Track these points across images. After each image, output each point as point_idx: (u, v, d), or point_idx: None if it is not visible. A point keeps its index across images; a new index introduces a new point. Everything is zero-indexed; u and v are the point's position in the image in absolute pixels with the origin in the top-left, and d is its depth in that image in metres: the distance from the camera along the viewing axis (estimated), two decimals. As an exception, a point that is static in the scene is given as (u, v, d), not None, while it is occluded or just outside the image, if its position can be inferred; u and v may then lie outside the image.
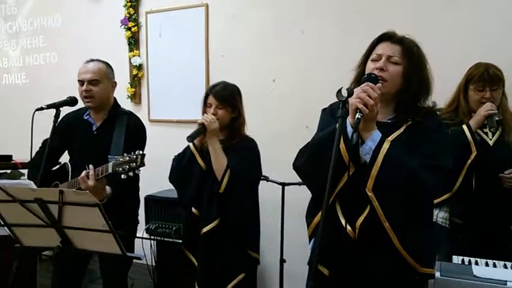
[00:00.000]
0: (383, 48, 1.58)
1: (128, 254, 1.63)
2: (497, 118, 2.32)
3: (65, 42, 4.42)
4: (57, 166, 2.48)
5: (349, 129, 1.47)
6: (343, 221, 1.55)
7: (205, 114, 2.28)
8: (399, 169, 1.44)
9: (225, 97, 2.31)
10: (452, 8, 2.84)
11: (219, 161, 2.22)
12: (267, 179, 2.74)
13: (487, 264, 2.01)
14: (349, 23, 3.12)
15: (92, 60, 2.44)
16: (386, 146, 1.45)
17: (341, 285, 1.58)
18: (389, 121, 1.61)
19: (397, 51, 1.56)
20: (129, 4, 3.96)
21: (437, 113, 1.67)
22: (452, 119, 2.39)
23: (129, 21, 3.98)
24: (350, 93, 1.43)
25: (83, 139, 2.43)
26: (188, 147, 2.35)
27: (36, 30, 4.63)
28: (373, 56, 1.60)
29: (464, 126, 2.31)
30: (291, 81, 3.37)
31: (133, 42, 4.00)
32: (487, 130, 2.36)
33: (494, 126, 2.27)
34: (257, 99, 3.33)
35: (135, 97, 4.07)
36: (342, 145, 1.46)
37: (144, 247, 3.23)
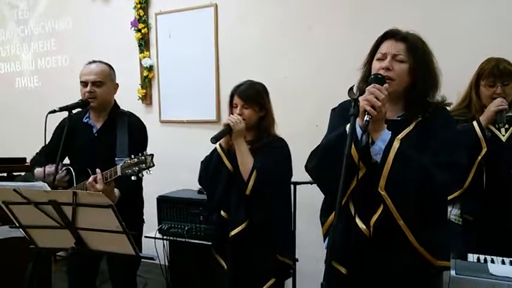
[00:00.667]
0: (388, 47, 1.58)
1: (141, 254, 1.64)
2: (508, 114, 2.28)
3: (76, 44, 4.47)
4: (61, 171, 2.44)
5: (359, 131, 1.48)
6: (357, 220, 1.56)
7: (230, 115, 2.21)
8: (410, 167, 1.44)
9: (251, 96, 2.24)
10: (463, 2, 2.80)
11: (246, 162, 2.17)
12: (296, 183, 2.72)
13: (503, 262, 1.98)
14: (358, 20, 3.10)
15: (94, 62, 2.43)
16: (396, 145, 1.46)
17: (360, 283, 1.58)
18: (399, 118, 1.61)
19: (402, 49, 1.56)
20: (138, 6, 3.99)
21: (447, 108, 1.65)
22: (465, 115, 2.36)
23: (139, 23, 4.01)
24: (362, 91, 1.44)
25: (83, 142, 2.41)
26: (215, 149, 2.29)
27: (48, 34, 4.70)
28: (378, 55, 1.60)
29: (474, 123, 2.27)
30: (301, 80, 3.36)
31: (144, 44, 4.03)
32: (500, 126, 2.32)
33: (503, 122, 2.23)
34: (270, 97, 3.32)
35: (146, 98, 4.10)
36: (352, 147, 1.46)
37: (157, 247, 3.25)
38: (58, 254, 3.95)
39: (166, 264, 3.45)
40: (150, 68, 4.03)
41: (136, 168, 2.02)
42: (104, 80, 2.37)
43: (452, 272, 1.82)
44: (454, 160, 1.51)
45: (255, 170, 2.14)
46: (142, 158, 2.03)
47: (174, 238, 3.26)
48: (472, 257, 2.02)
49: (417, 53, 1.55)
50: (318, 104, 3.14)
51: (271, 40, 3.47)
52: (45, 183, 1.82)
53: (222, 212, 2.30)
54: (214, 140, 2.16)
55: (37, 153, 2.54)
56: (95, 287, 2.61)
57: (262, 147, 2.24)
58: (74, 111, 2.35)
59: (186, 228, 3.18)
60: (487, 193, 2.30)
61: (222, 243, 2.32)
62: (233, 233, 2.22)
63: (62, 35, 4.59)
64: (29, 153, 3.01)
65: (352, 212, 1.58)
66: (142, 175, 2.04)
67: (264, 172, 2.15)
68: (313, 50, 3.28)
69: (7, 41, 4.96)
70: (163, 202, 3.31)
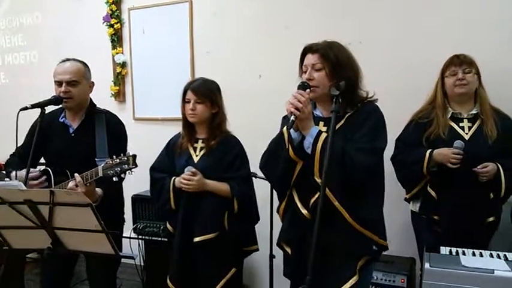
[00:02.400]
0: (307, 60, 1.87)
1: (120, 253, 1.61)
2: (472, 112, 2.41)
3: (46, 40, 4.33)
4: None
5: (292, 131, 1.77)
6: (299, 206, 1.84)
7: (181, 180, 2.27)
8: (334, 155, 1.65)
9: (204, 92, 2.31)
10: (435, 5, 2.88)
11: (223, 192, 2.30)
12: (255, 175, 2.74)
13: (473, 254, 2.06)
14: (334, 22, 3.12)
15: (68, 60, 2.36)
16: (322, 137, 1.72)
17: (303, 260, 1.75)
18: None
19: (317, 59, 1.82)
20: (111, 0, 3.89)
21: (373, 102, 1.88)
22: (428, 115, 2.44)
23: (112, 18, 3.91)
24: (341, 87, 1.72)
25: (60, 143, 2.35)
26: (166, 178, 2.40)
27: (15, 29, 4.53)
28: (303, 68, 1.89)
29: (427, 153, 2.37)
30: (276, 78, 3.37)
31: (116, 40, 3.95)
32: (463, 124, 2.39)
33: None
34: (242, 96, 3.32)
35: (119, 95, 4.02)
36: (289, 146, 1.78)
37: (132, 247, 3.21)
38: (28, 256, 3.85)
39: (142, 264, 3.41)
40: (123, 65, 3.96)
41: (119, 168, 1.98)
42: (79, 79, 2.31)
43: (427, 265, 1.90)
44: (372, 145, 1.76)
45: (235, 197, 2.29)
46: (125, 158, 1.99)
47: (149, 237, 3.23)
48: (444, 250, 2.10)
49: (329, 58, 1.80)
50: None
51: (246, 38, 3.47)
52: (21, 182, 1.77)
53: (169, 226, 2.44)
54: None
55: (11, 155, 2.46)
56: (69, 289, 2.56)
57: (216, 147, 2.33)
58: (48, 110, 2.29)
59: (162, 227, 3.15)
60: (447, 190, 2.38)
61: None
62: (198, 239, 2.28)
63: (31, 30, 4.44)
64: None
65: (296, 198, 1.86)
66: (125, 176, 2.01)
67: (242, 197, 2.32)
68: (289, 50, 3.28)
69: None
70: (138, 201, 3.27)
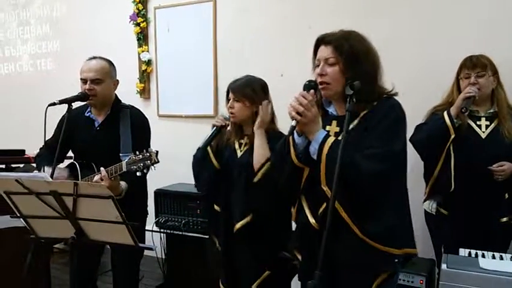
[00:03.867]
0: (320, 53, 1.66)
1: (140, 244, 1.67)
2: (490, 111, 2.37)
3: (74, 38, 4.46)
4: (65, 165, 2.48)
5: (296, 136, 1.63)
6: (308, 214, 1.69)
7: (217, 116, 2.30)
8: (341, 163, 1.47)
9: (241, 91, 2.27)
10: (460, 4, 2.84)
11: (261, 154, 2.19)
12: None
13: (493, 257, 2.03)
14: (358, 23, 3.09)
15: (95, 58, 2.43)
16: (328, 144, 1.55)
17: (312, 269, 1.61)
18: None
19: (331, 52, 1.62)
20: (137, 0, 3.99)
21: (394, 97, 1.67)
22: (445, 110, 2.41)
23: (138, 17, 4.01)
24: (356, 86, 1.56)
25: (86, 136, 2.43)
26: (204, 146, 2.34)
27: (45, 20, 4.69)
28: (316, 62, 1.69)
29: (444, 112, 2.34)
30: (298, 77, 3.36)
31: (142, 38, 4.04)
32: (480, 123, 2.37)
33: (466, 107, 2.28)
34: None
35: (144, 92, 4.12)
36: (292, 151, 1.64)
37: (154, 240, 3.29)
38: (55, 246, 3.99)
39: (163, 257, 3.49)
40: (148, 62, 4.05)
41: (141, 164, 2.04)
42: (103, 78, 2.37)
43: (444, 266, 1.87)
44: (387, 149, 1.55)
45: (271, 161, 2.13)
46: (147, 154, 2.05)
47: (171, 231, 3.29)
48: (463, 252, 2.07)
49: (344, 51, 1.60)
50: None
51: (270, 36, 3.49)
52: (47, 174, 1.85)
53: (215, 206, 2.37)
54: (204, 148, 2.28)
55: (41, 148, 2.55)
56: (95, 279, 2.64)
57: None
58: (75, 105, 2.36)
59: (183, 221, 3.22)
60: (462, 188, 2.35)
61: (218, 227, 2.38)
62: (238, 226, 2.23)
63: (59, 25, 4.59)
64: (29, 146, 3.03)
65: (305, 206, 1.71)
66: (148, 171, 2.07)
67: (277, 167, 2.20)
68: (311, 50, 3.29)
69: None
70: (161, 196, 3.35)
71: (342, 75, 1.61)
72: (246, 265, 2.29)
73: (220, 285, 2.41)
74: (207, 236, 2.66)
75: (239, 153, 2.32)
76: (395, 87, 1.69)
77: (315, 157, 1.59)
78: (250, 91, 2.28)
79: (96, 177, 2.15)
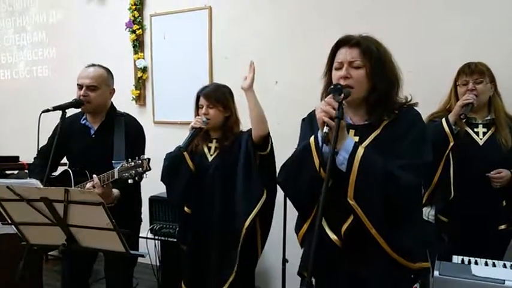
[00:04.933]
0: (343, 55, 1.57)
1: (131, 251, 1.66)
2: (487, 118, 2.38)
3: (70, 45, 4.47)
4: (59, 173, 2.47)
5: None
6: (328, 231, 1.57)
7: (195, 118, 2.37)
8: (376, 174, 1.43)
9: (215, 97, 2.38)
10: (454, 10, 2.86)
11: (260, 111, 2.30)
12: None
13: (486, 264, 2.02)
14: (352, 26, 3.10)
15: (93, 65, 2.45)
16: (360, 153, 1.45)
17: None
18: (366, 123, 1.60)
19: (357, 55, 1.54)
20: (133, 7, 4.01)
21: (414, 107, 1.63)
22: (443, 117, 2.42)
23: (134, 24, 4.03)
24: (347, 94, 1.48)
25: (81, 144, 2.43)
26: (178, 149, 2.41)
27: (41, 27, 4.70)
28: (336, 64, 1.59)
29: (443, 119, 2.35)
30: (293, 84, 3.39)
31: (138, 45, 4.05)
32: (478, 130, 2.38)
33: (464, 114, 2.29)
34: (259, 101, 3.36)
35: (140, 99, 4.12)
36: (316, 160, 1.49)
37: (148, 247, 3.27)
38: (49, 253, 3.97)
39: (158, 264, 3.47)
40: (144, 69, 4.06)
41: (133, 171, 2.05)
42: (98, 85, 2.39)
43: (436, 273, 1.86)
44: (419, 159, 1.50)
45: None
46: (139, 162, 2.06)
47: (166, 238, 3.28)
48: (456, 259, 2.06)
49: (372, 56, 1.54)
50: (308, 110, 3.17)
51: (264, 44, 3.50)
52: (38, 180, 1.85)
53: (186, 208, 2.48)
54: (185, 149, 2.31)
55: (35, 157, 2.54)
56: (88, 287, 2.63)
57: (230, 147, 2.38)
58: (70, 112, 2.38)
59: (177, 228, 3.20)
60: (460, 195, 2.35)
61: (186, 234, 2.51)
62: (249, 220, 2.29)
63: (55, 32, 4.60)
64: (24, 152, 3.02)
65: (323, 222, 1.56)
66: (139, 178, 2.08)
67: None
68: (306, 58, 3.31)
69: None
70: (155, 202, 3.34)
71: (368, 79, 1.53)
72: (216, 267, 2.37)
73: (183, 285, 2.50)
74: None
75: (210, 157, 2.42)
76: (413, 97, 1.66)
77: (343, 168, 1.47)
78: (223, 97, 2.40)
79: (89, 185, 2.15)
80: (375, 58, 1.53)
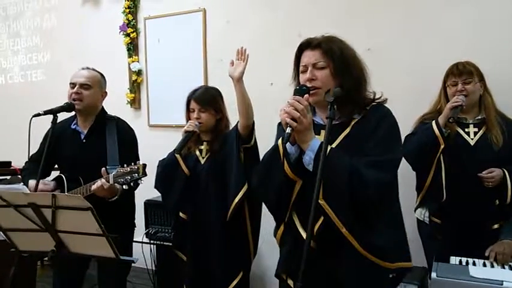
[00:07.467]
0: (306, 58, 1.59)
1: (122, 257, 1.64)
2: (477, 117, 2.36)
3: (64, 49, 4.45)
4: (52, 178, 2.44)
5: (288, 145, 1.51)
6: (301, 231, 1.56)
7: (188, 122, 2.35)
8: (342, 173, 1.42)
9: (207, 100, 2.37)
10: (450, 7, 2.84)
11: (249, 100, 2.30)
12: None
13: (484, 265, 2.01)
14: (347, 26, 3.11)
15: (88, 68, 2.46)
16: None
17: None
18: (336, 122, 1.57)
19: (319, 56, 1.56)
20: (127, 10, 3.99)
21: (383, 104, 1.62)
22: (433, 118, 2.40)
23: (128, 27, 4.01)
24: (336, 93, 1.48)
25: (72, 149, 2.40)
26: (172, 153, 2.41)
27: (35, 32, 4.68)
28: (301, 68, 1.61)
29: (433, 122, 2.33)
30: (288, 86, 3.35)
31: (132, 48, 4.03)
32: (468, 130, 2.37)
33: (453, 117, 2.27)
34: (254, 104, 3.34)
35: (135, 102, 4.10)
36: (284, 161, 1.50)
37: (144, 251, 3.24)
38: (45, 259, 3.93)
39: (154, 268, 3.44)
40: (138, 72, 4.03)
41: (129, 177, 2.03)
42: (92, 84, 2.38)
43: (434, 274, 1.85)
44: (386, 157, 1.49)
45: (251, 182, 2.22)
46: (135, 167, 2.03)
47: (161, 242, 3.25)
48: (454, 260, 2.05)
49: (334, 55, 1.55)
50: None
51: (259, 46, 3.47)
52: (25, 186, 1.82)
53: (181, 214, 2.45)
54: (179, 151, 2.29)
55: (26, 162, 2.51)
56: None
57: (220, 148, 2.37)
58: (61, 117, 2.34)
59: (172, 233, 3.17)
60: (455, 196, 2.33)
61: (183, 241, 2.49)
62: (237, 200, 2.26)
63: (50, 36, 4.58)
64: (18, 157, 2.99)
65: (297, 223, 1.57)
66: (136, 186, 2.05)
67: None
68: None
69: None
70: (151, 206, 3.31)
71: (333, 78, 1.54)
72: (219, 269, 2.35)
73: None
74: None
75: (202, 160, 2.41)
76: (383, 94, 1.64)
77: (310, 167, 1.48)
78: (214, 100, 2.40)
79: (99, 182, 2.11)
80: (337, 57, 1.54)
